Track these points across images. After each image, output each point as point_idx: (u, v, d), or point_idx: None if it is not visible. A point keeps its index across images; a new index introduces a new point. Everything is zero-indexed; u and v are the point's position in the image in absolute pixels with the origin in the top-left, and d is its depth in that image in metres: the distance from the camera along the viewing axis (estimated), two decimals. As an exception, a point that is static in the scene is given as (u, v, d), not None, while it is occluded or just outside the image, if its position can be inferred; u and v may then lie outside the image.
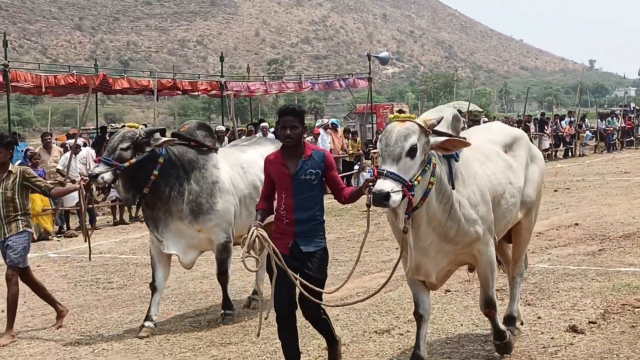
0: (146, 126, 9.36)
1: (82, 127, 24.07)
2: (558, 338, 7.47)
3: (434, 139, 6.04)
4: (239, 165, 9.33)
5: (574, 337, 7.47)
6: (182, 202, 8.55)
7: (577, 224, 14.59)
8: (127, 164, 8.13)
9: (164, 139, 8.37)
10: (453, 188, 6.39)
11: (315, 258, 6.38)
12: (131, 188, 8.47)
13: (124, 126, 8.72)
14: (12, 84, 20.90)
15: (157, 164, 8.32)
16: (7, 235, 8.61)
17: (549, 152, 34.08)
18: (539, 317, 8.24)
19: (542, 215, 16.11)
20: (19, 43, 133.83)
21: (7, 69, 20.82)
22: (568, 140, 36.00)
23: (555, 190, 20.87)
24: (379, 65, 68.38)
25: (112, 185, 8.39)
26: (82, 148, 19.09)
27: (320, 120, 33.01)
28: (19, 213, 8.63)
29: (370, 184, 5.84)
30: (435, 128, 6.18)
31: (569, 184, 22.60)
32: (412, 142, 5.79)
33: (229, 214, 9.11)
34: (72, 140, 19.64)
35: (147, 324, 8.64)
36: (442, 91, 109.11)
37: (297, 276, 6.18)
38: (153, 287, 8.85)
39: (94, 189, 9.74)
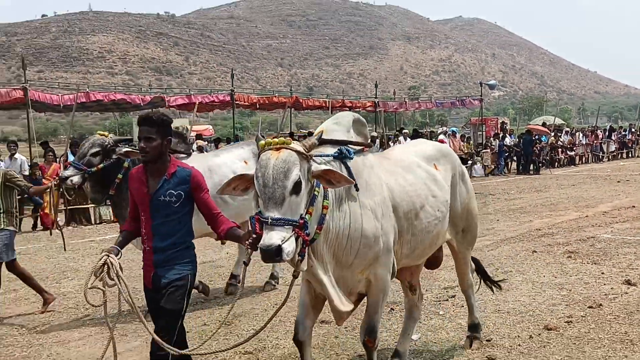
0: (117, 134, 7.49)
1: (280, 132, 24.61)
2: (616, 288, 7.14)
3: (314, 167, 3.71)
4: (207, 169, 7.13)
5: (628, 288, 7.14)
6: None
7: (634, 206, 13.76)
8: (94, 168, 6.71)
9: (127, 148, 6.71)
10: (357, 190, 4.06)
11: (172, 286, 3.96)
12: (98, 190, 6.95)
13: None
14: (236, 102, 21.76)
15: (122, 168, 6.75)
16: None
17: (615, 153, 32.39)
18: (602, 273, 7.89)
19: (607, 199, 15.62)
20: (241, 75, 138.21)
21: (233, 93, 21.75)
22: (630, 145, 33.95)
23: (619, 181, 19.73)
24: (488, 90, 66.24)
25: (82, 186, 7.01)
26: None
27: (441, 128, 32.67)
28: (1, 211, 7.03)
29: (251, 240, 3.55)
30: (329, 137, 4.09)
31: (629, 177, 21.27)
32: (294, 178, 3.50)
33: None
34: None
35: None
36: (534, 109, 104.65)
37: (146, 321, 3.91)
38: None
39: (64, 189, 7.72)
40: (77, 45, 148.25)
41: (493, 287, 6.00)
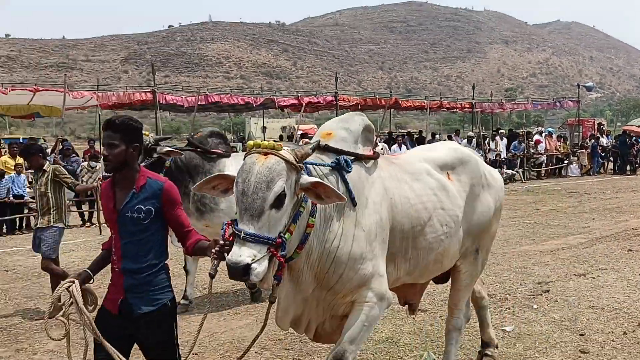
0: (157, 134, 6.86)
1: (379, 132, 24.55)
2: None
3: (303, 179, 3.09)
4: None
5: None
6: (187, 202, 6.28)
7: None
8: None
9: (168, 147, 6.41)
10: (354, 204, 3.43)
11: (154, 323, 3.23)
12: None
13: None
14: (340, 103, 21.88)
15: (163, 168, 6.33)
16: (39, 226, 6.93)
17: None
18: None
19: None
20: (344, 79, 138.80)
21: (337, 95, 21.89)
22: None
23: None
24: (585, 92, 63.16)
25: None
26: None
27: (537, 128, 31.44)
28: (52, 207, 6.85)
29: (217, 248, 2.98)
30: (334, 145, 3.52)
31: None
32: (277, 191, 2.93)
33: (232, 211, 6.49)
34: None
35: (182, 301, 6.76)
36: (632, 111, 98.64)
37: (117, 352, 3.11)
38: (186, 270, 7.04)
39: None
40: (198, 52, 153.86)
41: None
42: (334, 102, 21.88)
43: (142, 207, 3.23)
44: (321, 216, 3.30)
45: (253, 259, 2.85)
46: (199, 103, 19.15)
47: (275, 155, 3.02)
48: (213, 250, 3.01)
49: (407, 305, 4.49)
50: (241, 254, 2.85)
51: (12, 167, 14.14)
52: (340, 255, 3.34)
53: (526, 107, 32.13)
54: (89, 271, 3.35)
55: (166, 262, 3.37)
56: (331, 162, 3.43)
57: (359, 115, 3.82)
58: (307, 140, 18.80)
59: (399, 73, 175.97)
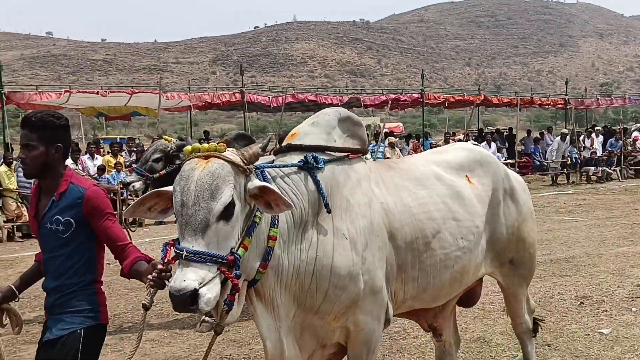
0: (181, 140, 6.69)
1: (467, 130, 24.12)
2: None
3: (251, 183, 2.63)
4: None
5: None
6: None
7: None
8: (157, 175, 5.96)
9: None
10: (328, 212, 2.91)
11: (53, 353, 2.72)
12: None
13: (159, 138, 6.49)
14: (426, 100, 21.73)
15: None
16: None
17: None
18: None
19: None
20: (430, 76, 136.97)
21: (423, 92, 21.73)
22: None
23: None
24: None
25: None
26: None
27: (635, 125, 29.97)
28: None
29: (155, 273, 2.50)
30: (300, 142, 3.08)
31: None
32: (224, 200, 2.47)
33: None
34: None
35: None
36: None
37: None
38: None
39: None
40: (283, 52, 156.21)
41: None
42: (420, 100, 21.75)
43: (61, 218, 2.77)
44: (289, 224, 2.80)
45: (201, 283, 2.35)
46: (286, 102, 19.54)
47: (218, 157, 2.56)
48: (149, 277, 2.52)
49: (431, 330, 4.06)
50: (185, 277, 2.35)
51: (113, 166, 15.05)
52: (320, 268, 2.83)
53: (623, 103, 30.75)
54: (13, 287, 2.93)
55: (96, 281, 2.88)
56: (299, 161, 2.96)
57: (333, 109, 3.35)
58: (393, 138, 18.79)
59: (487, 69, 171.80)
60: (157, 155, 6.15)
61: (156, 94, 17.09)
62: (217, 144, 2.66)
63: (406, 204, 3.25)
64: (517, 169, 19.57)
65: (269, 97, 21.01)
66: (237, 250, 2.52)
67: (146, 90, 19.73)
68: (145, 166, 6.13)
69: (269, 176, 2.85)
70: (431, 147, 19.25)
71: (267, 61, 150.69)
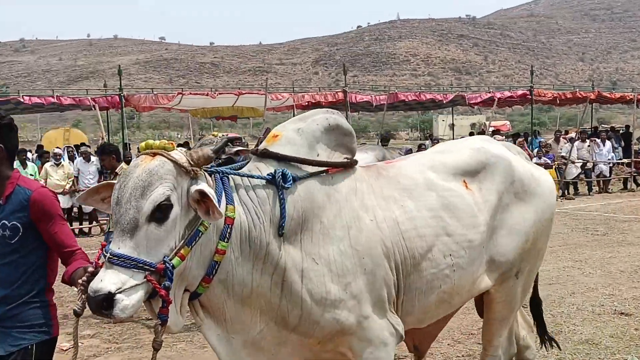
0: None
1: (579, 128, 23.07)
2: None
3: (194, 187, 2.44)
4: None
5: None
6: None
7: None
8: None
9: (238, 147, 5.74)
10: (280, 235, 2.66)
11: None
12: None
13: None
14: (535, 98, 21.01)
15: None
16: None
17: None
18: None
19: None
20: (539, 72, 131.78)
21: (532, 89, 21.01)
22: None
23: None
24: None
25: None
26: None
27: None
28: None
29: (85, 277, 2.38)
30: (274, 150, 2.82)
31: None
32: (156, 199, 2.33)
33: None
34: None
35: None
36: None
37: None
38: None
39: None
40: (386, 51, 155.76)
41: (551, 344, 4.16)
42: (529, 97, 21.05)
43: (7, 222, 2.61)
44: (242, 241, 2.60)
45: (119, 288, 2.23)
46: (388, 101, 19.55)
47: (163, 155, 2.43)
48: (79, 281, 2.40)
49: (414, 349, 3.80)
50: (103, 279, 2.25)
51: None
52: (289, 293, 2.66)
53: None
54: None
55: (47, 291, 2.72)
56: (268, 174, 2.72)
57: (325, 112, 3.02)
58: (498, 137, 18.31)
59: (601, 64, 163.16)
60: None
61: (262, 94, 17.63)
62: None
63: (394, 218, 2.94)
64: (634, 169, 18.53)
65: (371, 96, 21.11)
66: (170, 259, 2.35)
67: (252, 91, 20.41)
68: None
69: (231, 184, 2.67)
70: (539, 146, 18.75)
71: (370, 60, 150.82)
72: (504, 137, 22.51)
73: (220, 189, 2.60)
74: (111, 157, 7.19)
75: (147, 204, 2.32)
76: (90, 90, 22.95)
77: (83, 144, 18.30)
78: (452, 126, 31.41)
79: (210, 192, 2.44)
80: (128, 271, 2.28)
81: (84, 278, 2.38)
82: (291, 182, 2.71)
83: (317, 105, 20.50)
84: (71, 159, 15.12)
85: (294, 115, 19.37)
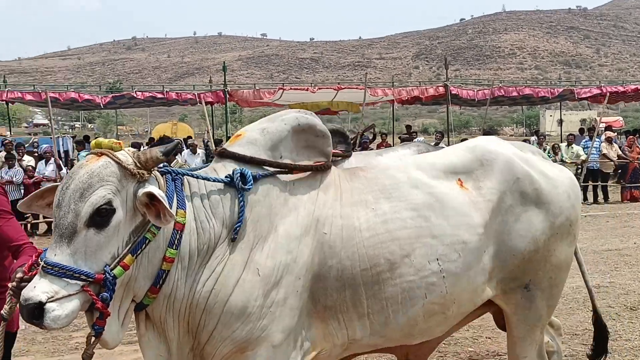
0: None
1: None
2: None
3: (142, 189, 2.33)
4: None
5: None
6: None
7: None
8: None
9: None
10: (233, 240, 2.51)
11: None
12: None
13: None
14: None
15: None
16: None
17: None
18: None
19: None
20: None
21: None
22: None
23: None
24: None
25: None
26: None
27: None
28: None
29: (14, 283, 2.30)
30: (232, 150, 2.68)
31: None
32: (94, 202, 2.21)
33: None
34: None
35: None
36: None
37: None
38: None
39: None
40: (490, 44, 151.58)
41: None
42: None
43: None
44: (191, 249, 2.46)
45: (51, 297, 2.13)
46: (492, 96, 19.09)
47: (108, 156, 2.32)
48: (9, 285, 2.32)
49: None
50: (36, 286, 2.15)
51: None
52: (213, 303, 2.44)
53: None
54: None
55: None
56: (226, 176, 2.58)
57: (297, 112, 2.84)
58: (610, 133, 17.43)
59: None
60: None
61: (361, 89, 17.72)
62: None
63: (357, 226, 2.69)
64: None
65: (474, 91, 20.67)
66: (112, 269, 2.24)
67: (351, 86, 20.58)
68: None
69: (186, 186, 2.54)
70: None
71: (473, 54, 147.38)
72: (615, 133, 21.41)
73: (172, 191, 2.45)
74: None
75: (86, 207, 2.21)
76: (196, 86, 23.92)
77: (189, 137, 19.13)
78: (560, 122, 30.15)
79: (160, 194, 2.31)
80: (61, 281, 2.16)
81: (13, 283, 2.30)
82: (251, 183, 2.55)
83: (417, 100, 20.38)
84: (178, 151, 15.82)
85: (393, 110, 19.43)
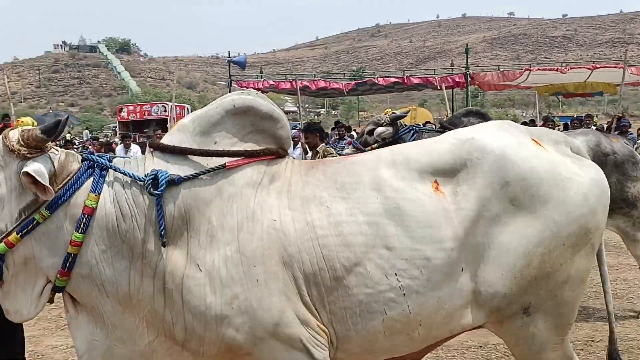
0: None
1: None
2: None
3: (24, 168, 2.30)
4: None
5: None
6: None
7: None
8: (368, 148, 5.84)
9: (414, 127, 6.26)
10: (163, 245, 2.36)
11: None
12: None
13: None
14: None
15: None
16: None
17: None
18: None
19: None
20: None
21: None
22: None
23: None
24: None
25: None
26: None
27: None
28: None
29: None
30: (164, 141, 2.52)
31: None
32: None
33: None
34: None
35: None
36: None
37: None
38: None
39: None
40: None
41: None
42: None
43: None
44: (110, 234, 2.42)
45: None
46: None
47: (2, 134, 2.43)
48: None
49: None
50: None
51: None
52: (172, 303, 2.40)
53: None
54: None
55: None
56: (140, 178, 2.47)
57: (238, 94, 2.66)
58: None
59: None
60: (369, 128, 6.22)
61: (620, 68, 16.14)
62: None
63: (309, 222, 2.48)
64: None
65: None
66: None
67: (608, 65, 18.89)
68: (360, 139, 6.21)
69: (110, 174, 2.51)
70: None
71: None
72: None
73: (85, 175, 2.47)
74: (315, 135, 7.43)
75: None
76: (436, 70, 23.90)
77: (428, 122, 19.18)
78: None
79: (36, 170, 2.33)
80: None
81: None
82: (163, 188, 2.41)
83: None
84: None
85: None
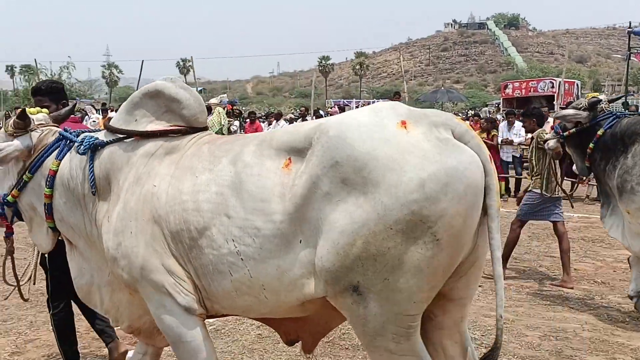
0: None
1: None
2: None
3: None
4: None
5: None
6: (613, 178, 5.12)
7: None
8: (566, 133, 5.68)
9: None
10: (93, 194, 3.11)
11: None
12: (581, 159, 5.61)
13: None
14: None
15: (593, 136, 5.36)
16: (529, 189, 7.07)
17: None
18: None
19: None
20: None
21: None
22: None
23: None
24: None
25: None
26: None
27: None
28: (535, 173, 6.93)
29: None
30: (110, 123, 3.28)
31: None
32: None
33: None
34: None
35: None
36: None
37: None
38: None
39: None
40: None
41: None
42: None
43: None
44: (65, 190, 3.22)
45: None
46: None
47: None
48: None
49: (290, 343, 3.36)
50: None
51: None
52: (101, 244, 3.10)
53: None
54: None
55: None
56: (82, 137, 3.33)
57: (160, 80, 3.26)
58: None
59: None
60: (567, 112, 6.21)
61: None
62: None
63: (180, 189, 2.92)
64: None
65: None
66: (5, 196, 3.33)
67: None
68: (561, 124, 6.03)
69: (72, 145, 3.28)
70: None
71: None
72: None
73: (55, 147, 3.31)
74: (532, 120, 7.55)
75: None
76: None
77: None
78: None
79: (1, 146, 3.28)
80: None
81: None
82: (85, 149, 3.18)
83: None
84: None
85: None
